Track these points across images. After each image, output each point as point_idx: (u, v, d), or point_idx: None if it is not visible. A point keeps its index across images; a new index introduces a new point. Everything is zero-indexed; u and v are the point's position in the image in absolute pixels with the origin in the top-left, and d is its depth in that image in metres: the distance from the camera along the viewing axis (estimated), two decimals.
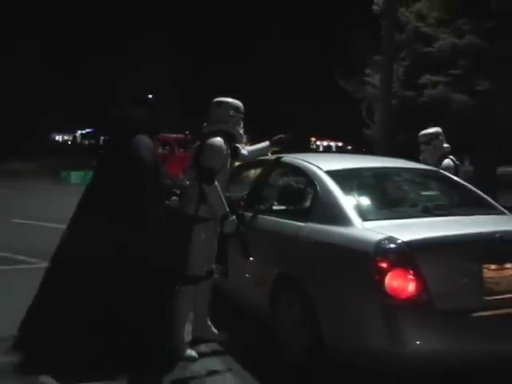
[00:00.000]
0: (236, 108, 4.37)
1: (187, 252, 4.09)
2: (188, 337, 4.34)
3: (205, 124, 4.40)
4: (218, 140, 4.20)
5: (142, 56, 40.70)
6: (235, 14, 48.08)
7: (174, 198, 4.34)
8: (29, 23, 40.08)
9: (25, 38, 38.98)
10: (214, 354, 4.31)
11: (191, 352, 4.13)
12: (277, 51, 46.10)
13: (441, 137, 5.51)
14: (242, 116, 4.44)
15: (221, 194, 4.11)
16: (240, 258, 4.33)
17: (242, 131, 4.45)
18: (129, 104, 4.48)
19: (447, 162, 5.30)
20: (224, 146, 4.21)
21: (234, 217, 4.16)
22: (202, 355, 4.20)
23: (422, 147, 5.52)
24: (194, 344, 4.32)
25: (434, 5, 19.48)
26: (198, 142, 4.42)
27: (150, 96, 4.55)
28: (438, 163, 5.29)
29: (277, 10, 46.14)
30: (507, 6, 17.21)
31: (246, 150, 4.60)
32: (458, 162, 5.41)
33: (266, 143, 4.73)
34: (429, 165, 5.20)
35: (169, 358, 3.96)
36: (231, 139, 4.32)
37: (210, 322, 4.45)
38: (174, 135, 21.26)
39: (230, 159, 4.35)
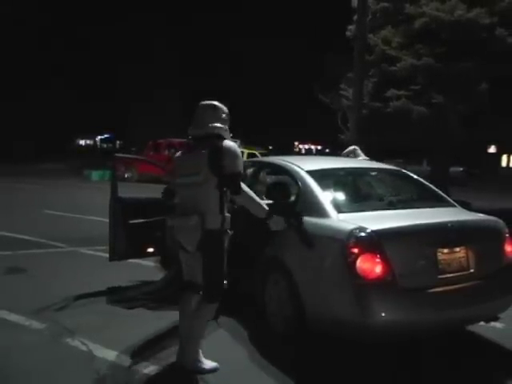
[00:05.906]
0: (227, 113, 3.47)
1: (212, 268, 3.22)
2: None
3: (191, 127, 3.40)
4: (234, 143, 3.31)
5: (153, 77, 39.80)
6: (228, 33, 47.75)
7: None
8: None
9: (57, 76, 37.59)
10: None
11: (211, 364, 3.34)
12: (269, 70, 46.12)
13: (357, 151, 6.20)
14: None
15: (253, 194, 3.34)
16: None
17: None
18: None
19: None
20: None
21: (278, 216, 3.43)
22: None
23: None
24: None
25: (397, 32, 19.58)
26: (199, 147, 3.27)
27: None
28: None
29: (267, 37, 46.11)
30: (454, 36, 17.45)
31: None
32: None
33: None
34: None
35: None
36: None
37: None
38: (178, 140, 21.70)
39: None
